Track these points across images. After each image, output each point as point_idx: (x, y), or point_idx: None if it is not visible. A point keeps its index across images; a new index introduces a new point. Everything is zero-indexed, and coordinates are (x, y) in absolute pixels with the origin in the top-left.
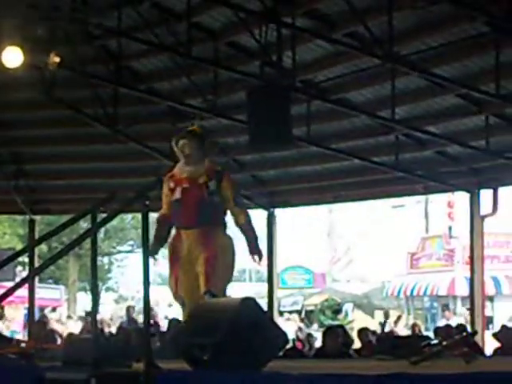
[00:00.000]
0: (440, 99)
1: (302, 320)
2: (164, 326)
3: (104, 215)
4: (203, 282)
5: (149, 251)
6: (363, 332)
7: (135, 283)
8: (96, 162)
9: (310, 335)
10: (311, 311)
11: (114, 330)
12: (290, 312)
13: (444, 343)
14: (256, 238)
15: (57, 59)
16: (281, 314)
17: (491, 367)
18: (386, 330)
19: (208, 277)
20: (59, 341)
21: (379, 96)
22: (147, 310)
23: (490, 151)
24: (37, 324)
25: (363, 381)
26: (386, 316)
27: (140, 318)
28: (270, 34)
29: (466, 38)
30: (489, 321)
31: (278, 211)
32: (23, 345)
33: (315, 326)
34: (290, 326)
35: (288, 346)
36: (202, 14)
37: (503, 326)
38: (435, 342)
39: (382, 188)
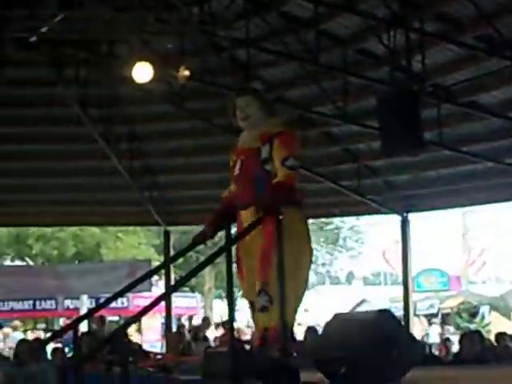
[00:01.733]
0: None
1: (444, 323)
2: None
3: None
4: (256, 278)
5: (194, 237)
6: (501, 337)
7: None
8: (227, 171)
9: (447, 339)
10: (448, 314)
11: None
12: (426, 316)
13: None
14: (278, 196)
15: (187, 73)
16: (417, 317)
17: None
18: None
19: (261, 271)
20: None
21: (510, 97)
22: (283, 319)
23: None
24: (174, 336)
25: None
26: None
27: None
28: (398, 39)
29: None
30: None
31: (411, 215)
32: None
33: (451, 329)
34: (433, 330)
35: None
36: (330, 21)
37: None
38: None
39: None
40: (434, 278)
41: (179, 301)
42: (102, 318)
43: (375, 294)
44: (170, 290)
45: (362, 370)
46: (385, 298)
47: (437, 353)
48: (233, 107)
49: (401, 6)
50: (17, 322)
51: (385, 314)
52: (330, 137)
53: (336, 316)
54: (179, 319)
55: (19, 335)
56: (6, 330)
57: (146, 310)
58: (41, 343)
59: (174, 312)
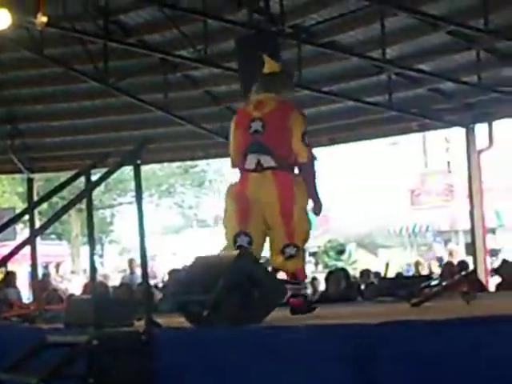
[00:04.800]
0: (430, 37)
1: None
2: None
3: (102, 170)
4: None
5: None
6: (365, 273)
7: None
8: (90, 117)
9: (314, 278)
10: (315, 253)
11: (117, 282)
12: None
13: (444, 283)
14: None
15: (44, 19)
16: None
17: (492, 305)
18: None
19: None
20: (63, 299)
21: (369, 37)
22: (145, 263)
23: (483, 86)
24: (39, 284)
25: (362, 330)
26: (387, 266)
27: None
28: None
29: None
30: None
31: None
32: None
33: (320, 267)
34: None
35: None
36: None
37: (503, 261)
38: (436, 282)
39: (377, 127)
40: None
41: (46, 248)
42: None
43: None
44: (35, 233)
45: (224, 312)
46: None
47: None
48: None
49: None
50: None
51: (245, 255)
52: (191, 80)
53: (197, 259)
54: (46, 267)
55: None
56: None
57: (10, 254)
58: None
59: (40, 260)
